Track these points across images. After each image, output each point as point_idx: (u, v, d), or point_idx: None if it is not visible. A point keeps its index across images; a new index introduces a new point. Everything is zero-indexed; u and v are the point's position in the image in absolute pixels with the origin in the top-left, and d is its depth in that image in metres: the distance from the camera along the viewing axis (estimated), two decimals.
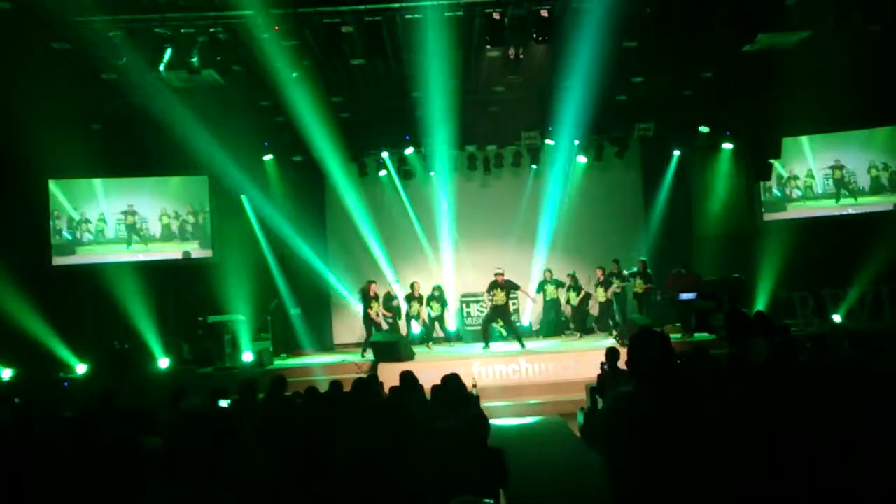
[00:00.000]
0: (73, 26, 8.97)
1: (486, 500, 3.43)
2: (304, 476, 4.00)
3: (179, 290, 12.99)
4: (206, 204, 13.75)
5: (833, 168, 13.52)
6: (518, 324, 13.54)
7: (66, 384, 11.11)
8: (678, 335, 11.91)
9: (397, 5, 9.11)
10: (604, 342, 11.51)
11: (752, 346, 5.82)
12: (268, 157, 13.72)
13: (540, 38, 9.37)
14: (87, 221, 13.40)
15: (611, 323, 13.37)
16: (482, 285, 13.11)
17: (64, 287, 12.61)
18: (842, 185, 13.50)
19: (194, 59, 9.25)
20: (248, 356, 12.09)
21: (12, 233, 12.03)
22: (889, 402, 3.72)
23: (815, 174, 13.62)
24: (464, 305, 14.32)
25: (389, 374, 8.72)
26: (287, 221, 13.49)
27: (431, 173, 14.18)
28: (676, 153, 14.17)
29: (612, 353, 8.11)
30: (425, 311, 13.34)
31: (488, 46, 9.84)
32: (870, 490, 3.19)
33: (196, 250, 13.68)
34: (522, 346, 11.99)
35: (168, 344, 12.40)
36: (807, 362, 5.33)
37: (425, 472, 3.95)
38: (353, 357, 12.45)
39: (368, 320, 12.72)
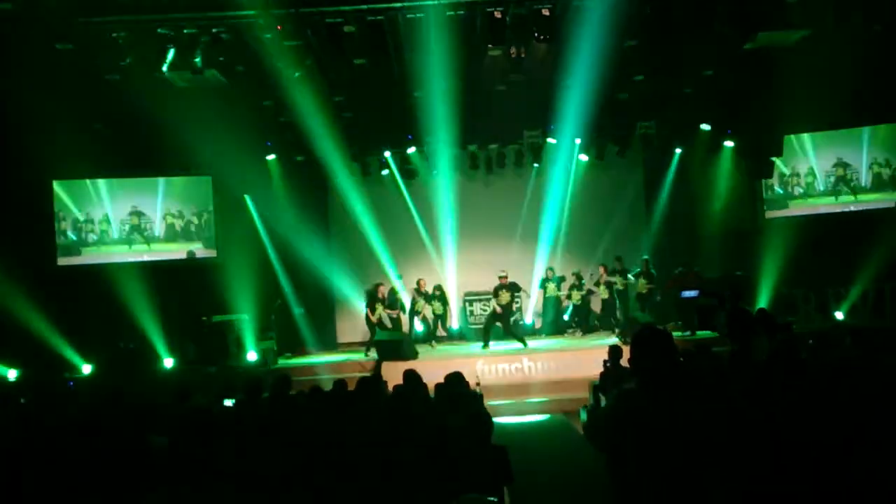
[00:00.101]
0: (77, 27, 9.01)
1: (491, 498, 3.46)
2: (309, 474, 4.03)
3: (184, 290, 13.01)
4: (209, 204, 13.80)
5: (836, 166, 13.52)
6: (521, 322, 13.56)
7: (71, 384, 11.14)
8: (680, 333, 11.93)
9: (399, 5, 9.14)
10: (606, 340, 11.54)
11: (755, 343, 5.82)
12: (271, 157, 13.76)
13: (541, 37, 9.40)
14: (92, 222, 13.46)
15: (613, 321, 13.39)
16: (485, 284, 13.12)
17: (69, 287, 12.63)
18: (843, 182, 13.51)
19: (197, 60, 9.28)
20: (252, 356, 12.14)
21: (17, 234, 12.07)
22: (891, 399, 3.74)
23: (817, 172, 13.62)
24: (466, 304, 14.35)
25: (393, 373, 8.73)
26: (290, 221, 13.51)
27: (434, 172, 14.20)
28: (678, 151, 14.17)
29: (614, 351, 8.14)
30: (429, 308, 13.37)
31: (490, 45, 9.86)
32: (872, 487, 3.20)
33: (200, 250, 13.73)
34: (525, 344, 12.01)
35: (173, 344, 12.42)
36: (809, 360, 5.34)
37: (430, 470, 3.98)
38: (357, 356, 12.49)
39: (371, 321, 12.76)
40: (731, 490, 2.75)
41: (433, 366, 9.73)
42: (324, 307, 14.67)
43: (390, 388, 6.91)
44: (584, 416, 8.47)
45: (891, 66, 11.03)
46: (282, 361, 12.62)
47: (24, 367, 11.47)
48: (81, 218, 13.44)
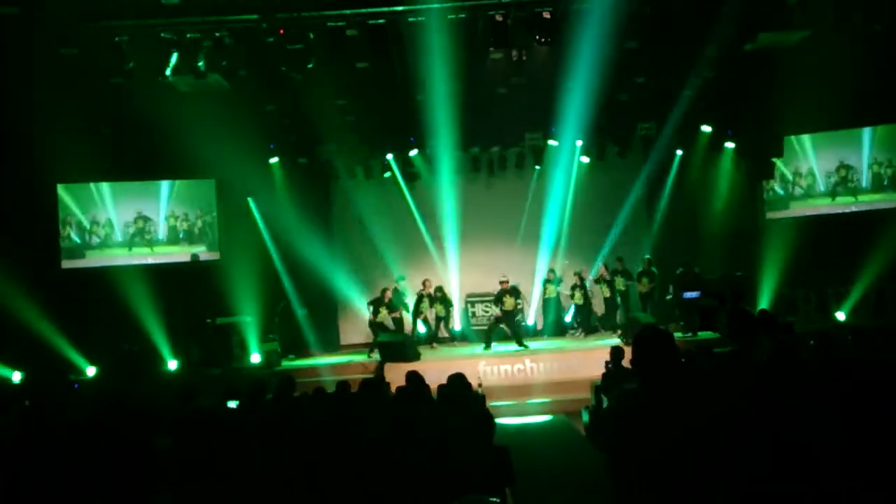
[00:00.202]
0: (81, 32, 9.07)
1: (493, 499, 3.47)
2: (313, 476, 4.06)
3: (187, 292, 13.05)
4: (213, 207, 13.86)
5: (837, 167, 13.53)
6: (523, 324, 13.57)
7: (76, 386, 11.18)
8: (682, 333, 11.95)
9: (401, 8, 9.20)
10: (608, 341, 11.55)
11: (756, 344, 5.82)
12: (274, 160, 13.79)
13: (542, 40, 9.45)
14: (97, 224, 13.52)
15: (615, 322, 13.40)
16: (487, 286, 13.13)
17: (73, 290, 12.68)
18: (844, 182, 13.51)
19: (200, 64, 9.36)
20: (256, 357, 12.17)
21: (22, 237, 12.13)
22: (893, 400, 3.75)
23: (817, 172, 13.63)
24: (469, 305, 14.37)
25: (396, 375, 8.79)
26: (293, 223, 13.55)
27: (436, 174, 14.23)
28: (679, 152, 14.17)
29: (616, 352, 8.16)
30: (432, 310, 13.39)
31: (491, 48, 9.92)
32: (874, 488, 3.21)
33: (204, 253, 13.78)
34: (525, 346, 12.02)
35: (177, 346, 12.47)
36: (810, 360, 5.35)
37: (432, 471, 4.00)
38: (360, 358, 12.52)
39: (375, 324, 12.79)
40: (732, 491, 2.77)
41: (436, 367, 9.75)
42: (327, 309, 14.69)
43: (393, 389, 6.96)
44: (585, 416, 8.49)
45: (891, 66, 11.05)
46: (285, 363, 12.65)
47: (29, 370, 11.51)
48: (85, 221, 13.50)
